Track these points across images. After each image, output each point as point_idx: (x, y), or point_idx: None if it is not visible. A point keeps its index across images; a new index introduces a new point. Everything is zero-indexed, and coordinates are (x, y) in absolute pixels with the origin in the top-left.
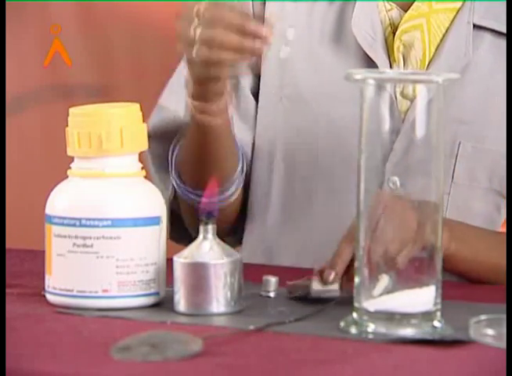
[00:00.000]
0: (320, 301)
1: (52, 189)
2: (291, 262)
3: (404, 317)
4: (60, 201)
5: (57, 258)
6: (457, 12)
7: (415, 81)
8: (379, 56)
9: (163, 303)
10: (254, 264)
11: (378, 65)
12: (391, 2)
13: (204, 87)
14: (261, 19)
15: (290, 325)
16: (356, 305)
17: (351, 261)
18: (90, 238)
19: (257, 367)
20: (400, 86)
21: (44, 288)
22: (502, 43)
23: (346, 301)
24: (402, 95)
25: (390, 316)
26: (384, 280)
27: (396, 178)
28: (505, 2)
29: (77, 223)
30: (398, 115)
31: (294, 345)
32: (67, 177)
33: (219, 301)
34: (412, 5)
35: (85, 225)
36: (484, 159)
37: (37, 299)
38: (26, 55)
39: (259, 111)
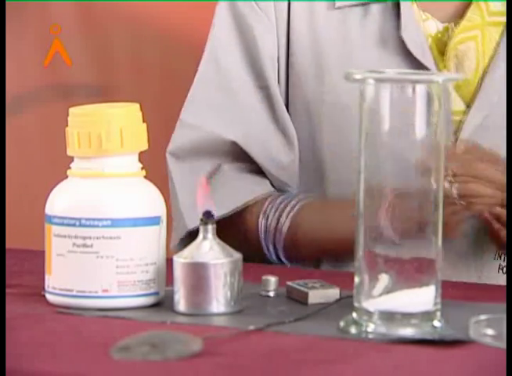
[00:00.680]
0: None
1: (51, 189)
2: None
3: (404, 317)
4: (60, 201)
5: (57, 258)
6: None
7: (415, 81)
8: (429, 62)
9: (163, 303)
10: (254, 264)
11: (430, 68)
12: (426, 13)
13: None
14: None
15: (289, 325)
16: (356, 305)
17: None
18: (90, 238)
19: (256, 367)
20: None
21: (44, 288)
22: None
23: (346, 301)
24: (456, 87)
25: (390, 316)
26: (384, 280)
27: None
28: None
29: (77, 223)
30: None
31: (294, 345)
32: (67, 177)
33: (219, 301)
34: (444, 14)
35: (85, 225)
36: None
37: (37, 299)
38: (26, 55)
39: (297, 121)
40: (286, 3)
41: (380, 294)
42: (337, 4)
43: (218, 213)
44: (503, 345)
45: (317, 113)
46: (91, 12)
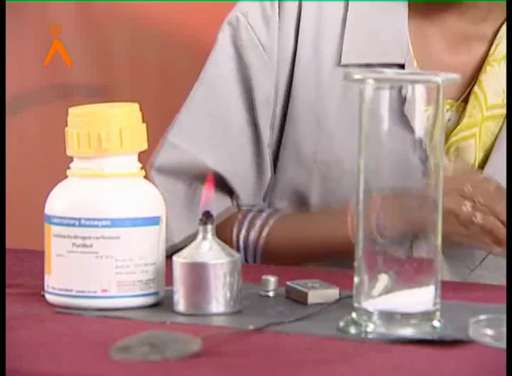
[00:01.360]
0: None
1: (51, 189)
2: None
3: (403, 317)
4: (60, 201)
5: (56, 258)
6: (505, 119)
7: (414, 82)
8: None
9: (162, 303)
10: (253, 264)
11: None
12: None
13: None
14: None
15: (289, 325)
16: (356, 305)
17: None
18: (89, 238)
19: (256, 367)
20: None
21: (43, 288)
22: None
23: (346, 302)
24: None
25: (389, 316)
26: (384, 280)
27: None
28: None
29: (77, 223)
30: None
31: (294, 345)
32: (67, 177)
33: (218, 301)
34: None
35: (85, 225)
36: None
37: (36, 299)
38: (26, 55)
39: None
40: (291, 48)
41: (380, 295)
42: (343, 61)
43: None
44: (503, 345)
45: (309, 162)
46: (91, 12)
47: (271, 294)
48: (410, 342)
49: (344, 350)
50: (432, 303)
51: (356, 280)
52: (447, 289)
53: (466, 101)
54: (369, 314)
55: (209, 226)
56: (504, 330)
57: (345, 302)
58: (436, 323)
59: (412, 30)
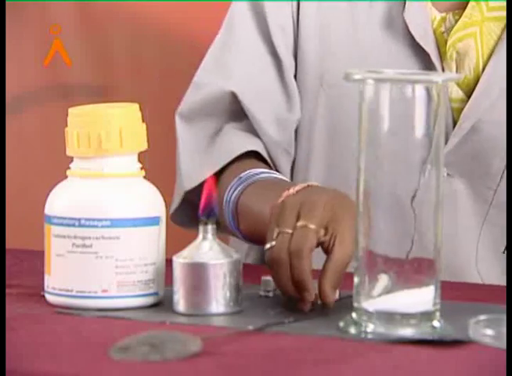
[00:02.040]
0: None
1: (51, 190)
2: None
3: (403, 317)
4: (59, 201)
5: (56, 259)
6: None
7: (415, 81)
8: (431, 46)
9: (162, 303)
10: (253, 264)
11: (429, 53)
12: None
13: None
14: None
15: (289, 325)
16: (355, 305)
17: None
18: (89, 238)
19: (256, 367)
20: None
21: (43, 288)
22: None
23: (345, 302)
24: (457, 83)
25: (389, 316)
26: (384, 280)
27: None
28: None
29: (77, 223)
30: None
31: (294, 345)
32: (67, 177)
33: (218, 301)
34: (458, 10)
35: (85, 226)
36: None
37: (36, 299)
38: (26, 55)
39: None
40: None
41: (380, 295)
42: None
43: (210, 171)
44: (503, 345)
45: (315, 95)
46: (91, 12)
47: (271, 294)
48: (410, 342)
49: (343, 350)
50: (432, 303)
51: (356, 280)
52: (447, 289)
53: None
54: (368, 314)
55: (209, 226)
56: (504, 330)
57: (345, 302)
58: (436, 324)
59: None
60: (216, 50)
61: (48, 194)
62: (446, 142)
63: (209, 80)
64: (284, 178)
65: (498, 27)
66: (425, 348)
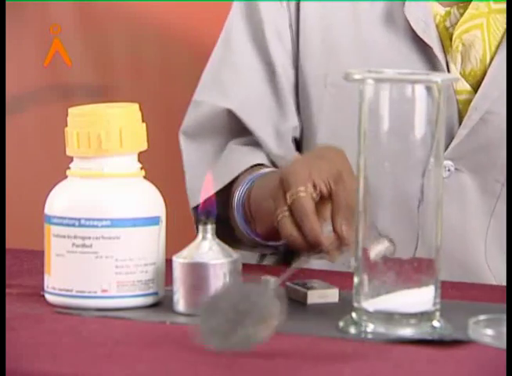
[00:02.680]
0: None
1: (51, 190)
2: None
3: (403, 317)
4: (59, 201)
5: (56, 259)
6: None
7: (414, 82)
8: (433, 40)
9: (162, 303)
10: (253, 264)
11: (432, 47)
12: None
13: None
14: (296, 20)
15: (289, 325)
16: (355, 305)
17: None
18: (89, 238)
19: (256, 367)
20: (461, 67)
21: (43, 288)
22: None
23: (345, 302)
24: (463, 76)
25: (389, 316)
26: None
27: (450, 163)
28: None
29: (77, 223)
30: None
31: (294, 345)
32: (66, 177)
33: None
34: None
35: (84, 226)
36: None
37: (36, 299)
38: (26, 55)
39: (301, 102)
40: None
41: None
42: None
43: (214, 188)
44: (502, 345)
45: (319, 98)
46: (91, 12)
47: None
48: (410, 342)
49: (343, 350)
50: (432, 303)
51: (356, 280)
52: (446, 289)
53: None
54: (368, 314)
55: (209, 226)
56: (504, 330)
57: (345, 302)
58: (436, 324)
59: None
60: (212, 66)
61: (48, 194)
62: (454, 136)
63: (206, 98)
64: None
65: (504, 18)
66: (425, 348)
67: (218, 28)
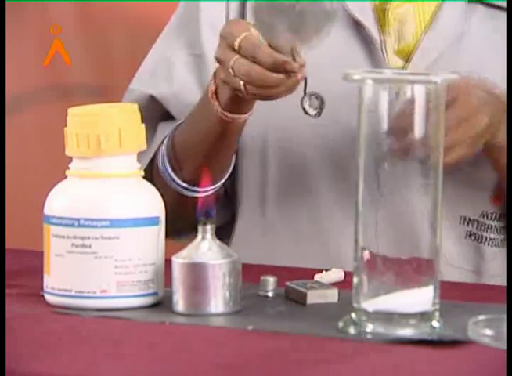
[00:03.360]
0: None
1: (50, 190)
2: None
3: (402, 317)
4: (59, 201)
5: (55, 259)
6: None
7: (413, 82)
8: (369, 20)
9: (161, 303)
10: (253, 264)
11: (368, 27)
12: None
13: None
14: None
15: (288, 325)
16: (355, 305)
17: None
18: (88, 238)
19: (256, 367)
20: (395, 43)
21: (42, 288)
22: (494, 13)
23: (345, 302)
24: (397, 52)
25: (388, 317)
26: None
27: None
28: None
29: (76, 223)
30: None
31: (293, 346)
32: (66, 177)
33: (217, 301)
34: None
35: (84, 226)
36: None
37: (35, 299)
38: (26, 55)
39: None
40: None
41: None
42: None
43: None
44: (502, 345)
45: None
46: (91, 12)
47: (270, 294)
48: (409, 342)
49: (343, 350)
50: (431, 303)
51: (355, 280)
52: (446, 289)
53: None
54: (368, 314)
55: (208, 226)
56: (503, 330)
57: (344, 303)
58: (435, 324)
59: None
60: (149, 55)
61: (47, 194)
62: None
63: (137, 86)
64: None
65: None
66: (424, 348)
67: None
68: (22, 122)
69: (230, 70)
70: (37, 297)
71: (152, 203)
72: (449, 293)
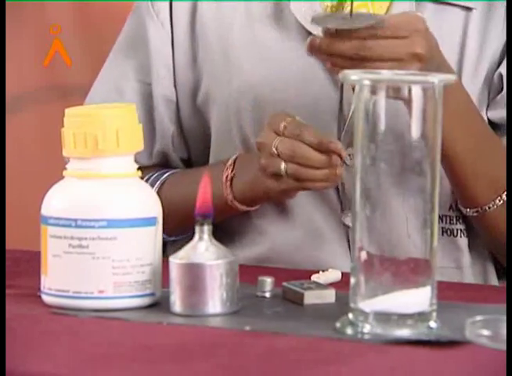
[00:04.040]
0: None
1: (48, 190)
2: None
3: (400, 318)
4: (56, 202)
5: (53, 259)
6: None
7: (411, 82)
8: (318, 29)
9: (159, 304)
10: (250, 265)
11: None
12: None
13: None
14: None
15: (286, 326)
16: (352, 305)
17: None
18: (86, 239)
19: (254, 368)
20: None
21: (39, 289)
22: (443, 9)
23: (342, 302)
24: None
25: (386, 317)
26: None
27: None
28: None
29: (73, 224)
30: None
31: (291, 346)
32: (63, 177)
33: (215, 301)
34: None
35: (81, 226)
36: None
37: (32, 300)
38: (25, 55)
39: (213, 117)
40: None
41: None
42: None
43: None
44: (499, 345)
45: (226, 105)
46: (91, 12)
47: (267, 294)
48: (407, 343)
49: (340, 351)
50: (428, 304)
51: (352, 280)
52: (443, 289)
53: None
54: (365, 315)
55: (205, 227)
56: (500, 330)
57: (341, 303)
58: (432, 324)
59: None
60: (98, 80)
61: (44, 195)
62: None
63: (94, 101)
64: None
65: None
66: (422, 348)
67: None
68: (21, 122)
69: (273, 150)
70: (34, 297)
71: (149, 203)
72: (446, 293)
